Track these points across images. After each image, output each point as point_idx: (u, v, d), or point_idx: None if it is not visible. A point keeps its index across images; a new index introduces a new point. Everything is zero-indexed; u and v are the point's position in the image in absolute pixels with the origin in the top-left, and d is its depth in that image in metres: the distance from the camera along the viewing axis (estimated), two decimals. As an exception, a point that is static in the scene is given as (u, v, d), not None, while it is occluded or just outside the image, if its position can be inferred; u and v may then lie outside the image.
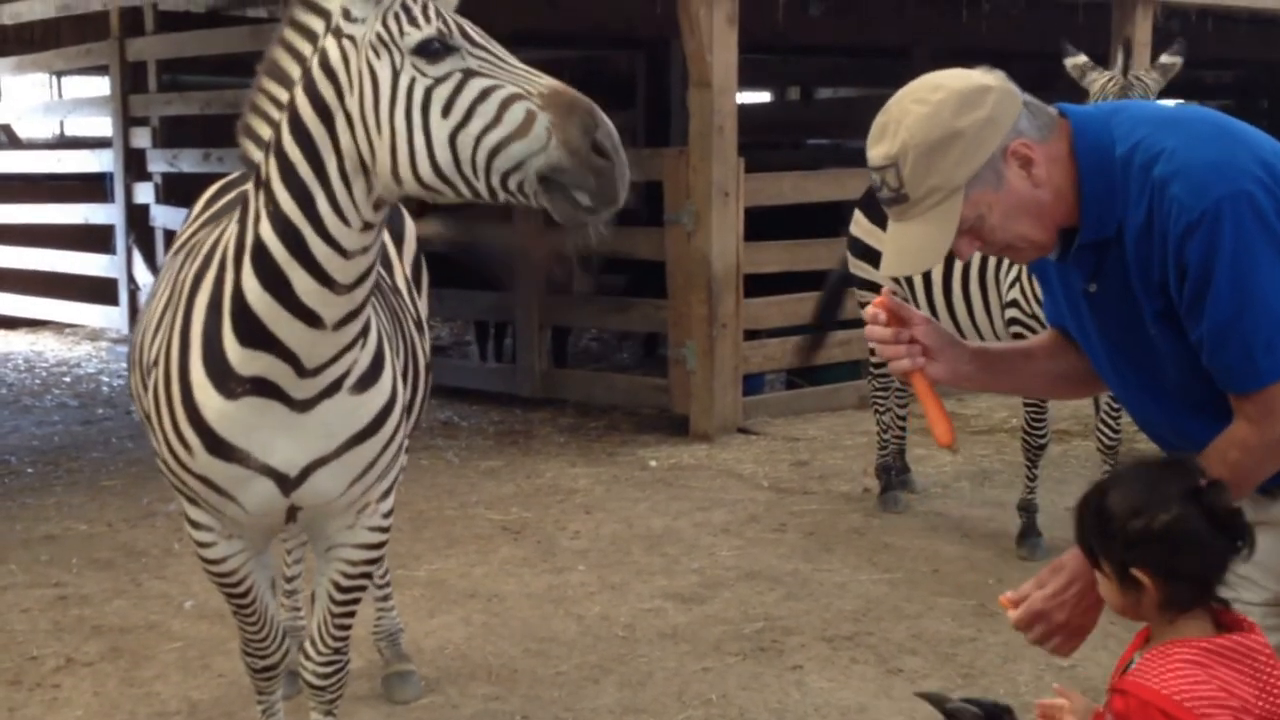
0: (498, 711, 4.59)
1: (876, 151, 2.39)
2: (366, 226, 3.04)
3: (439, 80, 2.87)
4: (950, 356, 2.57)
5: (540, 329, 9.62)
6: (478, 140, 2.84)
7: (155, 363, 3.37)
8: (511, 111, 2.82)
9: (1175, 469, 2.21)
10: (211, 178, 4.39)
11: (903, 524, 6.55)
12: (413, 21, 2.89)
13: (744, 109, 8.84)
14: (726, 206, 8.31)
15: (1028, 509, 6.05)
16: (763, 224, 8.89)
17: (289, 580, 4.80)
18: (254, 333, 3.12)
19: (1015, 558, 5.94)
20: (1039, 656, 4.83)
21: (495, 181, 2.86)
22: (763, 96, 18.36)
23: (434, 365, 3.99)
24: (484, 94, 2.84)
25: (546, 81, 2.87)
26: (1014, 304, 5.92)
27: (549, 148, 2.80)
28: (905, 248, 2.41)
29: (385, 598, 4.79)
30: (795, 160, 12.92)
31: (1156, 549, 2.13)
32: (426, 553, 6.18)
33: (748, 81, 9.62)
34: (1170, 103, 4.16)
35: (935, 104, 2.32)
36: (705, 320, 8.35)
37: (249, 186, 3.12)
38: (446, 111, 2.86)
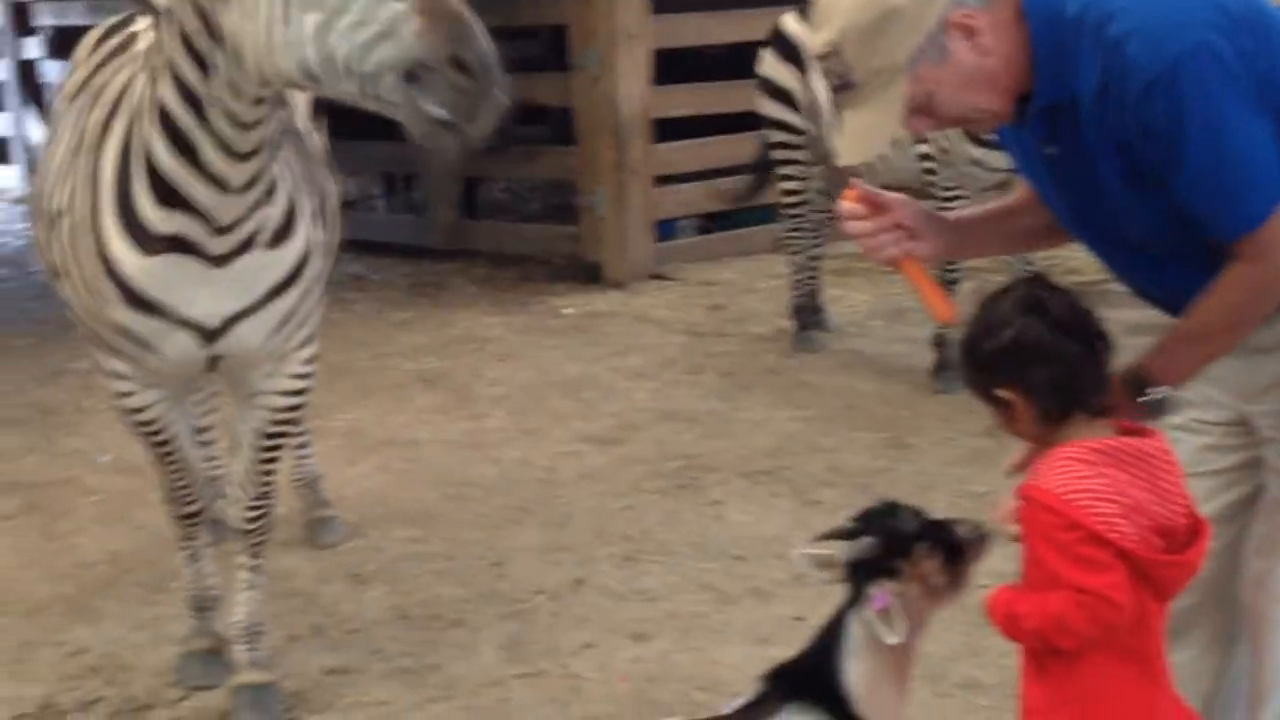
0: (420, 553, 4.61)
1: (817, 40, 2.34)
2: (259, 101, 3.02)
3: None
4: (933, 232, 2.52)
5: (448, 180, 9.48)
6: (347, 35, 2.75)
7: (62, 212, 3.31)
8: (383, 9, 2.73)
9: (1014, 289, 2.24)
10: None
11: (818, 363, 6.62)
12: None
13: (648, -51, 8.66)
14: (632, 49, 8.18)
15: (942, 343, 6.13)
16: (673, 68, 8.78)
17: (202, 431, 4.75)
18: (168, 194, 3.11)
19: (929, 391, 6.03)
20: (953, 483, 4.95)
21: (359, 85, 2.80)
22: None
23: (342, 219, 3.93)
24: None
25: None
26: (925, 139, 5.93)
27: (412, 51, 2.72)
28: (856, 133, 2.38)
29: (303, 445, 4.77)
30: (702, 1, 12.72)
31: (1009, 364, 2.17)
32: (342, 403, 6.15)
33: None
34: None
35: None
36: (614, 166, 8.27)
37: (152, 34, 3.05)
38: (317, 3, 2.76)
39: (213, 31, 2.94)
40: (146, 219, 3.15)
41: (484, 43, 2.75)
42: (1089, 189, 2.37)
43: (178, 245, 3.17)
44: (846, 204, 2.51)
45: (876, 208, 2.49)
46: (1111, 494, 2.09)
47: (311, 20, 2.77)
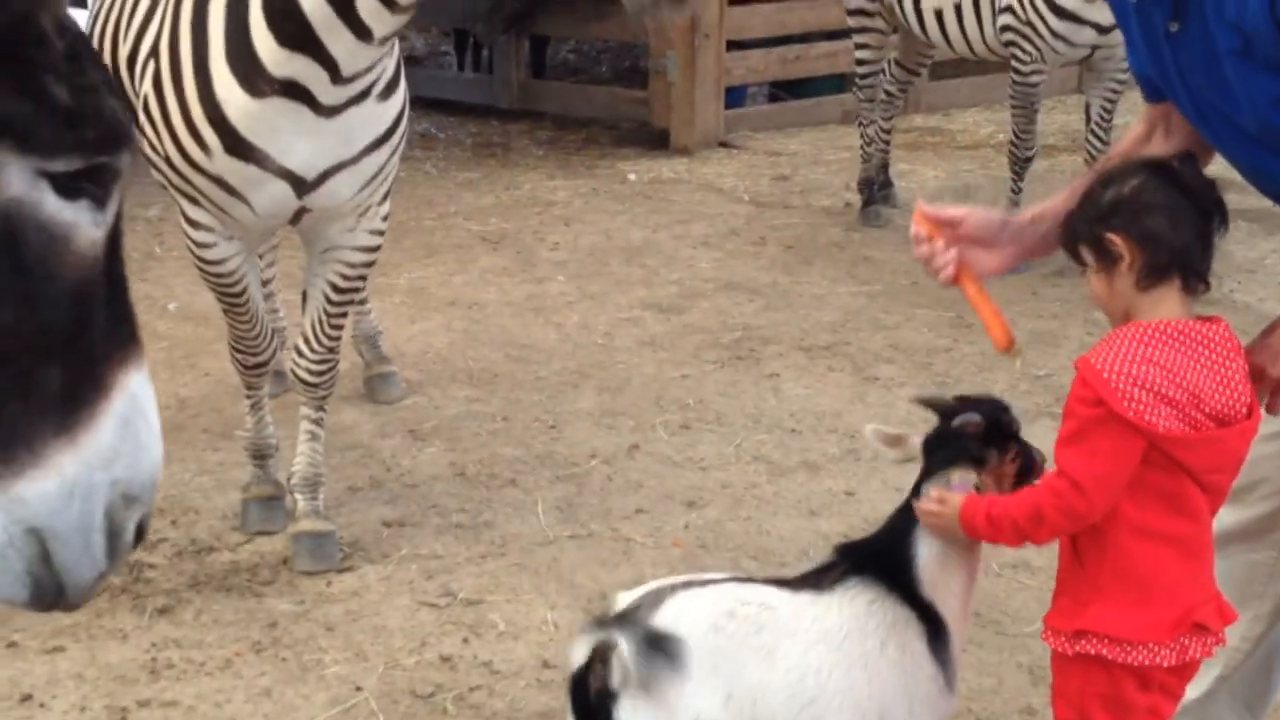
0: (479, 413, 4.67)
1: None
2: None
3: None
4: (1007, 239, 2.40)
5: (518, 38, 9.39)
6: None
7: (153, 54, 3.25)
8: None
9: (1150, 160, 2.23)
10: None
11: (883, 238, 6.56)
12: None
13: None
14: (712, -92, 8.00)
15: (1009, 223, 6.04)
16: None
17: (265, 283, 4.80)
18: (298, 35, 3.01)
19: (993, 271, 5.96)
20: (1013, 367, 4.92)
21: None
22: None
23: (410, 75, 3.91)
24: None
25: None
26: (1008, 9, 5.80)
27: None
28: None
29: (363, 301, 4.80)
30: None
31: (1126, 211, 2.16)
32: (406, 261, 6.18)
33: None
34: None
35: None
36: (687, 29, 8.13)
37: None
38: None
39: None
40: (262, 58, 3.05)
41: None
42: (1211, 68, 2.24)
43: (291, 90, 3.09)
44: (914, 227, 2.40)
45: (942, 225, 2.38)
46: (1158, 383, 2.08)
47: None
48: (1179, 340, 2.12)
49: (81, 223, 1.37)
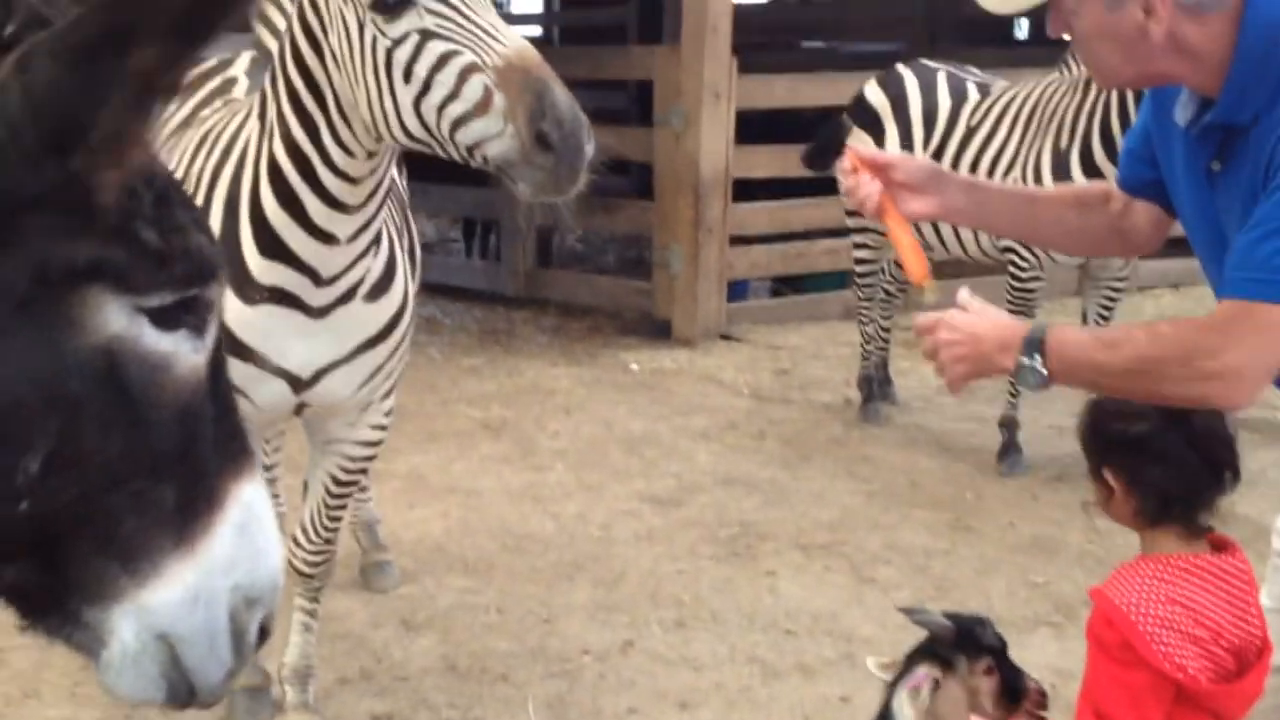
0: (473, 604, 4.63)
1: None
2: (371, 154, 3.04)
3: (397, 42, 2.80)
4: (937, 188, 2.48)
5: (525, 229, 9.56)
6: (439, 111, 2.79)
7: None
8: (470, 85, 2.75)
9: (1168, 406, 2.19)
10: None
11: (883, 436, 6.59)
12: None
13: (739, 8, 8.71)
14: (718, 108, 8.22)
15: (1009, 425, 6.08)
16: (754, 128, 8.81)
17: (268, 469, 4.80)
18: (272, 245, 3.12)
19: (994, 473, 5.98)
20: (1012, 570, 4.89)
21: (463, 152, 2.83)
22: (759, -4, 18.11)
23: (420, 261, 3.98)
24: (441, 61, 2.77)
25: (505, 46, 2.77)
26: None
27: (504, 135, 2.74)
28: None
29: (363, 488, 4.81)
30: (790, 62, 12.78)
31: (1127, 455, 2.15)
32: (406, 447, 6.19)
33: (744, -19, 9.47)
34: None
35: None
36: (691, 224, 8.31)
37: (266, 83, 3.09)
38: (407, 77, 2.80)
39: (319, 93, 2.97)
40: (250, 268, 3.15)
41: (568, 111, 2.74)
42: (1246, 212, 2.20)
43: (279, 297, 3.18)
44: (845, 163, 2.48)
45: (874, 168, 2.46)
46: (1182, 623, 2.07)
47: (409, 92, 2.80)
48: (1200, 575, 2.11)
49: (181, 351, 1.49)
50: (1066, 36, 2.34)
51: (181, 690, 1.54)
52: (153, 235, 1.45)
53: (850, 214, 6.89)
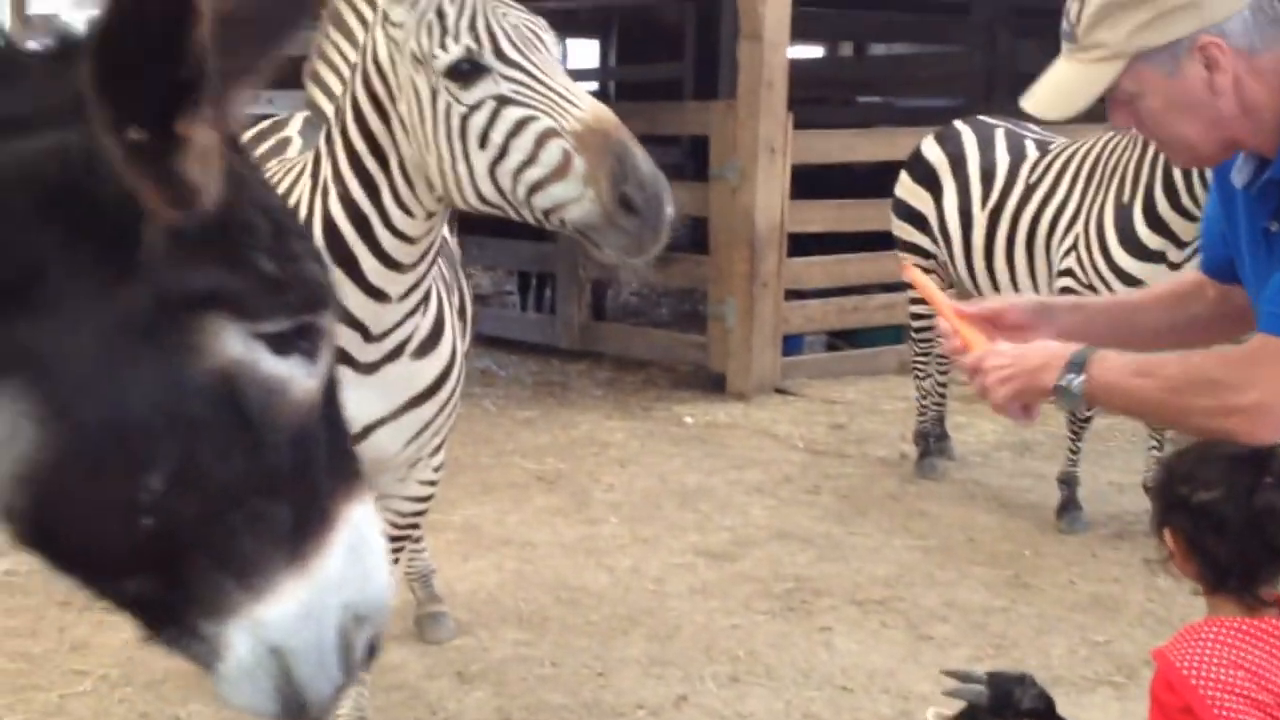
0: (528, 657, 4.62)
1: None
2: (430, 215, 3.05)
3: (473, 108, 2.83)
4: (1048, 320, 2.47)
5: (581, 282, 9.61)
6: (516, 176, 2.82)
7: None
8: (548, 150, 2.78)
9: (1254, 459, 2.14)
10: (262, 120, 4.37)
11: (939, 491, 6.53)
12: (444, 37, 2.83)
13: (795, 63, 8.76)
14: (773, 163, 8.24)
15: (1069, 481, 6.01)
16: (809, 183, 8.83)
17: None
18: None
19: (1053, 530, 5.91)
20: (1072, 629, 4.83)
21: (539, 215, 2.85)
22: (815, 51, 18.15)
23: (475, 314, 4.00)
24: (519, 126, 2.80)
25: (582, 110, 2.79)
26: (1069, 273, 5.86)
27: (584, 199, 2.76)
28: (1050, 85, 2.29)
29: (418, 540, 4.82)
30: (845, 118, 12.82)
31: (1188, 521, 2.13)
32: (462, 499, 6.21)
33: (800, 35, 9.51)
34: None
35: None
36: (746, 278, 8.31)
37: (320, 143, 3.11)
38: (483, 143, 2.83)
39: (382, 155, 2.99)
40: None
41: (650, 173, 2.75)
42: None
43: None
44: (943, 327, 2.49)
45: (985, 322, 2.46)
46: (1246, 687, 2.03)
47: (484, 159, 2.82)
48: (1264, 640, 2.07)
49: (296, 376, 1.53)
50: (1135, 131, 2.33)
51: (294, 703, 1.58)
52: (270, 264, 1.50)
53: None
